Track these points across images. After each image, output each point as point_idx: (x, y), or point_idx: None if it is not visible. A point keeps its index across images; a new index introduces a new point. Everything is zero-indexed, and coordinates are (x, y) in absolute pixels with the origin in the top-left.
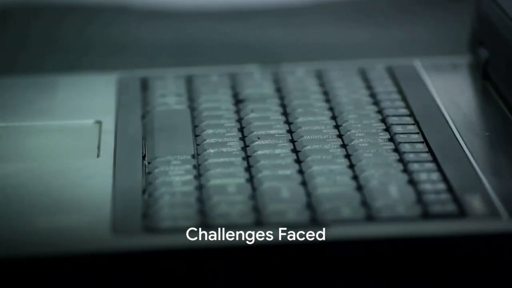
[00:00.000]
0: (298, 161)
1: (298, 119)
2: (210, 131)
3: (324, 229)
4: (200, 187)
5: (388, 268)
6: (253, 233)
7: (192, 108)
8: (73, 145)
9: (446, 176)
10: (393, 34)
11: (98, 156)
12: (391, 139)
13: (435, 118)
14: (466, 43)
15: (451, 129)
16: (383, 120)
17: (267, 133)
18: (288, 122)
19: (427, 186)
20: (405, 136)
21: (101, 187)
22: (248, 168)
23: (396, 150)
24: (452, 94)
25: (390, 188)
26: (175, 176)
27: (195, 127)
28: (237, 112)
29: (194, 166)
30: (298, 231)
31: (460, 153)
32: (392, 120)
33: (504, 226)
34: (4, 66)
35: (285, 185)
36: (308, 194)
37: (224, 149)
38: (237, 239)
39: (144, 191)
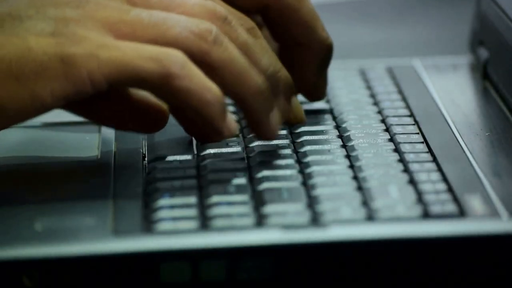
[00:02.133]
0: (298, 161)
1: None
2: None
3: (324, 229)
4: (200, 188)
5: (388, 268)
6: (253, 233)
7: None
8: (73, 145)
9: (446, 176)
10: (393, 34)
11: (98, 156)
12: (391, 140)
13: (435, 118)
14: (466, 43)
15: (451, 129)
16: (383, 121)
17: None
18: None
19: (427, 186)
20: (405, 136)
21: (101, 187)
22: (248, 168)
23: (396, 150)
24: (452, 94)
25: (390, 188)
26: (175, 176)
27: None
28: (237, 112)
29: (194, 167)
30: (298, 231)
31: (460, 153)
32: (392, 120)
33: (504, 226)
34: None
35: (285, 185)
36: (308, 194)
37: (224, 150)
38: (237, 239)
39: (144, 191)
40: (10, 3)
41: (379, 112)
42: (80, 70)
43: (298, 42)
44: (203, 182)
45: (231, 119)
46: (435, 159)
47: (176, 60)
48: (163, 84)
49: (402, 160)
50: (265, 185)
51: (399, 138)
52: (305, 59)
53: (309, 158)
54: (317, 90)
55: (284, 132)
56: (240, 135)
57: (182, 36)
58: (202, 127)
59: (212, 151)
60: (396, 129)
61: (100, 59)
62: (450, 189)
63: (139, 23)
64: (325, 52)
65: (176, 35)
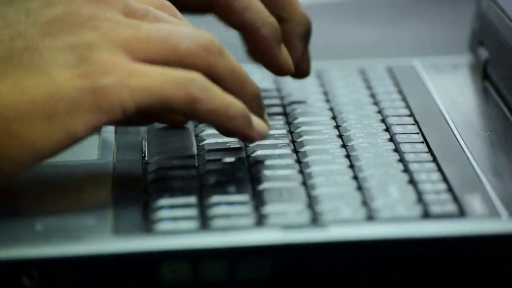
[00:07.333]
0: (298, 161)
1: (298, 119)
2: (210, 131)
3: (324, 229)
4: (200, 188)
5: (388, 268)
6: (253, 233)
7: None
8: None
9: (446, 176)
10: (393, 34)
11: (98, 156)
12: (391, 139)
13: (435, 118)
14: (466, 43)
15: (451, 129)
16: (383, 120)
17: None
18: (288, 122)
19: (427, 186)
20: (405, 136)
21: (101, 187)
22: (248, 168)
23: (396, 150)
24: (452, 94)
25: (390, 188)
26: (175, 176)
27: (195, 127)
28: None
29: (194, 166)
30: (298, 231)
31: (460, 153)
32: (392, 120)
33: (504, 226)
34: None
35: (285, 185)
36: (308, 194)
37: (224, 150)
38: (237, 239)
39: (144, 191)
40: (19, 30)
41: (379, 112)
42: (112, 100)
43: (281, 18)
44: (203, 182)
45: (258, 123)
46: (435, 159)
47: (198, 85)
48: (188, 108)
49: (402, 160)
50: (265, 185)
51: (399, 138)
52: (288, 33)
53: (309, 158)
54: (303, 65)
55: (284, 131)
56: None
57: (191, 50)
58: (234, 137)
59: (212, 151)
60: (396, 129)
61: (131, 87)
62: (450, 189)
63: (151, 40)
64: (306, 26)
65: (186, 49)
